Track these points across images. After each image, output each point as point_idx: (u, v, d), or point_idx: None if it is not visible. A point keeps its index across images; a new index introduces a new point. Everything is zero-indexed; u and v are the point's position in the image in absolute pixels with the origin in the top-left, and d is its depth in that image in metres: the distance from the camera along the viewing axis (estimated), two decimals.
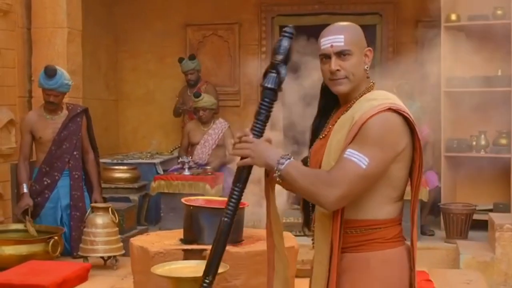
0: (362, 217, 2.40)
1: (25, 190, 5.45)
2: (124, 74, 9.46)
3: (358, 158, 2.30)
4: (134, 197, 7.27)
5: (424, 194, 6.80)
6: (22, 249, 4.91)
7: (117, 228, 5.12)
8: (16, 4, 6.51)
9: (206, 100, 7.59)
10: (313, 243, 2.51)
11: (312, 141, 2.59)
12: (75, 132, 5.59)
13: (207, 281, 2.44)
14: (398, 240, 2.50)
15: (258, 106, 2.45)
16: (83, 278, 4.67)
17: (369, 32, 8.89)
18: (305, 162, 2.58)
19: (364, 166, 2.30)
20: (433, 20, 8.05)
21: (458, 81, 7.39)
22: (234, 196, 2.43)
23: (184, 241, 4.06)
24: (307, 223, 2.59)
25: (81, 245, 5.10)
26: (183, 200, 4.10)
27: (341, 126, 2.42)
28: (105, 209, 5.09)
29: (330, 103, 2.57)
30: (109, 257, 5.11)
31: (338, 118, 2.48)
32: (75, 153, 5.57)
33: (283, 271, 2.57)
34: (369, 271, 2.39)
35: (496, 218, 6.29)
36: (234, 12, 9.10)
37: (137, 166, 7.63)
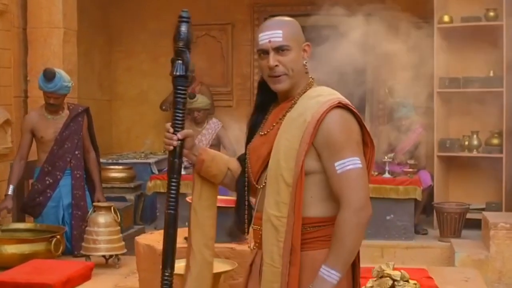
0: (307, 215, 2.35)
1: (9, 192, 5.46)
2: (118, 74, 9.47)
3: (351, 163, 2.29)
4: (130, 196, 7.29)
5: (417, 193, 6.90)
6: (24, 248, 4.92)
7: (119, 227, 5.14)
8: (12, 4, 6.50)
9: (201, 101, 7.61)
10: (254, 246, 2.49)
11: (249, 138, 2.54)
12: (77, 132, 5.61)
13: (167, 273, 2.47)
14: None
15: (173, 96, 2.44)
16: (86, 276, 4.69)
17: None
18: (242, 159, 2.55)
19: (360, 165, 2.30)
20: (425, 21, 8.13)
21: (451, 81, 7.46)
22: (173, 188, 2.43)
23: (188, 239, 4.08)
24: (242, 225, 2.55)
25: (83, 244, 5.12)
26: (187, 199, 4.12)
27: (289, 126, 2.37)
28: (107, 208, 5.11)
29: (268, 99, 2.52)
30: (110, 256, 5.13)
31: (282, 115, 2.42)
32: (76, 152, 5.59)
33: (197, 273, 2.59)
34: (315, 270, 2.31)
35: (490, 216, 6.39)
36: (227, 13, 9.15)
37: (132, 166, 7.65)
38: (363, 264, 5.33)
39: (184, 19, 2.48)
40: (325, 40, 8.99)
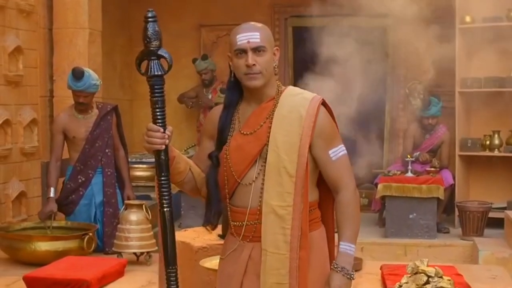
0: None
1: (51, 194, 5.52)
2: (139, 74, 9.30)
3: (341, 150, 2.59)
4: (155, 195, 7.31)
5: (440, 192, 6.94)
6: (58, 245, 5.01)
7: (150, 225, 5.20)
8: (38, 5, 6.57)
9: None
10: (242, 240, 2.58)
11: (222, 137, 2.62)
12: (107, 130, 5.67)
13: (173, 270, 2.52)
14: (320, 219, 2.68)
15: (151, 96, 2.48)
16: (120, 273, 4.75)
17: (381, 33, 8.95)
18: (215, 158, 2.59)
19: (346, 151, 2.61)
20: (445, 21, 8.14)
21: (472, 81, 7.49)
22: (165, 186, 2.48)
23: (223, 236, 4.14)
24: (214, 221, 2.63)
25: (115, 241, 5.18)
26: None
27: (281, 122, 2.54)
28: (139, 206, 5.17)
29: (235, 98, 2.65)
30: (141, 253, 5.18)
31: (268, 114, 2.57)
32: (107, 150, 5.66)
33: None
34: (315, 248, 2.57)
35: None
36: (248, 13, 9.11)
37: None
38: (388, 261, 5.41)
39: (152, 19, 2.51)
40: (344, 41, 9.05)
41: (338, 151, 2.59)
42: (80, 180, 5.60)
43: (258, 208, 2.54)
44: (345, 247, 2.55)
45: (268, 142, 2.54)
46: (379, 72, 8.84)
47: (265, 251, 2.51)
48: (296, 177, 2.50)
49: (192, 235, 4.25)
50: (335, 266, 2.54)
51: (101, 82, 5.71)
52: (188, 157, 2.71)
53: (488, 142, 7.51)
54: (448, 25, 7.69)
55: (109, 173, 5.64)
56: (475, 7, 7.55)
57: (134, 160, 7.98)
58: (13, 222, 5.84)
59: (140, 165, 7.66)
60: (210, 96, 8.70)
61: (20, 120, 6.20)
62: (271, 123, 2.56)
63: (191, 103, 8.86)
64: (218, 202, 2.60)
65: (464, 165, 7.62)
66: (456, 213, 7.28)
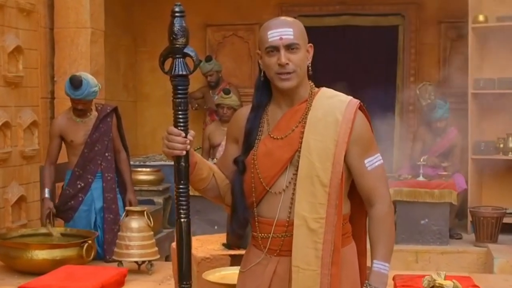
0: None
1: (46, 195, 5.40)
2: (143, 75, 9.39)
3: (377, 159, 2.41)
4: (159, 199, 7.16)
5: (453, 197, 6.80)
6: (56, 254, 4.85)
7: (152, 232, 5.03)
8: (39, 4, 6.47)
9: (234, 99, 7.52)
10: (268, 253, 2.43)
11: (249, 140, 2.46)
12: (106, 133, 5.51)
13: (187, 285, 2.37)
14: (351, 234, 2.52)
15: (173, 96, 2.33)
16: (120, 283, 4.60)
17: (391, 32, 8.85)
18: (241, 163, 2.44)
19: (382, 161, 2.44)
20: (457, 21, 8.02)
21: (486, 82, 7.33)
22: (183, 194, 2.34)
23: (228, 245, 3.97)
24: (241, 230, 2.47)
25: (115, 249, 5.01)
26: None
27: (315, 126, 2.37)
28: (140, 213, 5.00)
29: (264, 99, 2.49)
30: (143, 262, 5.01)
31: (301, 117, 2.40)
32: (107, 154, 5.49)
33: None
34: (347, 265, 2.42)
35: None
36: (255, 13, 9.02)
37: (160, 168, 7.53)
38: (399, 271, 5.21)
39: (178, 14, 2.38)
40: (352, 41, 8.95)
41: (375, 160, 2.42)
42: (79, 186, 5.43)
43: (287, 219, 2.38)
44: (379, 266, 2.40)
45: (300, 148, 2.37)
46: (389, 72, 8.74)
47: (297, 268, 2.35)
48: (330, 187, 2.34)
49: (195, 244, 4.05)
50: (368, 286, 2.38)
51: (100, 87, 5.54)
52: None
53: (502, 145, 7.35)
54: (460, 24, 7.61)
55: (109, 177, 5.46)
56: (489, 6, 7.42)
57: (137, 163, 7.84)
58: (12, 228, 5.71)
59: (144, 169, 7.50)
60: (216, 98, 8.56)
61: (20, 122, 6.09)
62: (303, 128, 2.39)
63: (196, 104, 8.74)
64: (244, 210, 2.43)
65: (477, 169, 7.45)
66: (469, 218, 7.12)
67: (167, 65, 2.36)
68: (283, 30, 2.36)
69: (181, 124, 2.31)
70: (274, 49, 2.37)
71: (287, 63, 2.35)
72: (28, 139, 6.19)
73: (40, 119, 6.36)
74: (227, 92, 7.46)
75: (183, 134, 2.30)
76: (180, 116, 2.32)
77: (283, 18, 2.45)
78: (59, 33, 6.68)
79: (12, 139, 5.95)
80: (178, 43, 2.33)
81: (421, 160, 6.99)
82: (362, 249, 2.55)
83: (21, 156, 6.09)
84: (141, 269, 5.05)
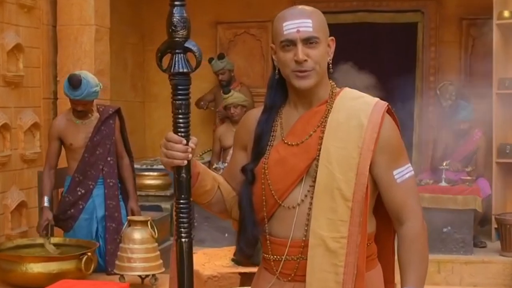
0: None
1: (45, 203, 5.10)
2: (151, 74, 9.22)
3: (408, 170, 2.17)
4: (166, 205, 6.96)
5: (477, 204, 6.56)
6: (52, 267, 4.54)
7: (156, 244, 4.70)
8: (41, 0, 6.33)
9: (236, 95, 7.37)
10: (281, 278, 2.16)
11: (259, 146, 2.20)
12: (109, 136, 5.20)
13: None
14: (377, 256, 2.26)
15: (173, 98, 2.07)
16: None
17: (410, 30, 8.60)
18: (250, 172, 2.17)
19: (413, 172, 2.20)
20: (480, 17, 7.78)
21: (511, 82, 7.06)
22: (184, 210, 2.04)
23: (238, 262, 3.66)
24: (251, 247, 2.18)
25: (116, 262, 4.71)
26: None
27: (335, 131, 2.12)
28: (144, 223, 4.68)
29: (279, 100, 2.24)
30: (146, 275, 4.70)
31: (320, 121, 2.15)
32: (109, 159, 5.18)
33: None
34: None
35: None
36: (267, 10, 8.78)
37: (168, 173, 7.29)
38: None
39: (178, 2, 2.06)
40: (369, 39, 8.69)
41: (405, 171, 2.15)
42: (79, 193, 5.12)
43: (303, 239, 2.11)
44: None
45: (318, 156, 2.11)
46: (407, 72, 8.51)
47: None
48: (353, 202, 2.06)
49: (202, 260, 3.75)
50: None
51: (101, 87, 5.24)
52: (203, 163, 2.26)
53: None
54: (483, 21, 7.38)
55: (111, 183, 5.15)
56: None
57: (144, 167, 7.63)
58: (11, 236, 5.55)
59: (151, 173, 7.30)
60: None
61: (20, 124, 5.93)
62: (323, 132, 2.13)
63: (207, 103, 8.55)
64: (253, 227, 2.16)
65: (502, 174, 7.16)
66: (493, 225, 6.87)
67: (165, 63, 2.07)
68: (301, 22, 2.10)
69: (182, 130, 2.04)
70: (291, 43, 2.10)
71: (305, 60, 2.08)
72: (29, 141, 6.05)
73: (42, 121, 6.21)
74: (226, 92, 7.39)
75: (184, 142, 2.03)
76: (181, 121, 2.05)
77: (300, 7, 2.18)
78: (62, 30, 6.50)
79: (11, 141, 5.82)
80: (178, 36, 2.03)
81: (444, 164, 6.77)
82: (389, 274, 2.28)
83: (22, 159, 5.95)
84: (145, 283, 4.75)
